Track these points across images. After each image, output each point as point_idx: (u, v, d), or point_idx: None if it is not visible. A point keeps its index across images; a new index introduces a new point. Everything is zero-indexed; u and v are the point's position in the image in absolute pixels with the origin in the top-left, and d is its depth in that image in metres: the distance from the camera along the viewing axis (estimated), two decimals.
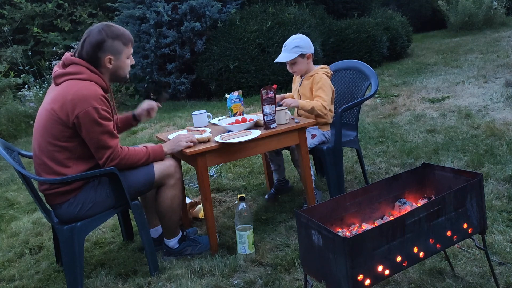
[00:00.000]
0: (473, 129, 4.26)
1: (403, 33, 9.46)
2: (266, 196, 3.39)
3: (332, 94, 3.09)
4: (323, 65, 3.19)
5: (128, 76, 2.54)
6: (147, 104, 2.80)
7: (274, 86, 2.76)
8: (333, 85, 3.24)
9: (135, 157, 2.42)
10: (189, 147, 2.55)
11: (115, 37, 2.38)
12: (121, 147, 2.39)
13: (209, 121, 3.14)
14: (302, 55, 3.07)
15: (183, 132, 2.88)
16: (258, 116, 2.95)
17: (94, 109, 2.25)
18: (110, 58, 2.38)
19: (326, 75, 3.09)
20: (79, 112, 2.23)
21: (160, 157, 2.51)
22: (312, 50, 3.14)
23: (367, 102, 5.92)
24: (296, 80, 3.29)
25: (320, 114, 3.01)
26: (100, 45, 2.34)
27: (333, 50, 8.43)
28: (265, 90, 2.68)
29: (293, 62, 3.09)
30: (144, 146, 2.51)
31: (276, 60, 3.12)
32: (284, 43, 3.10)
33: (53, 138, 2.30)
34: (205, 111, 3.11)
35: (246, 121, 2.83)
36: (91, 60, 2.36)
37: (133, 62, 2.53)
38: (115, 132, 2.39)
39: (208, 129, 2.87)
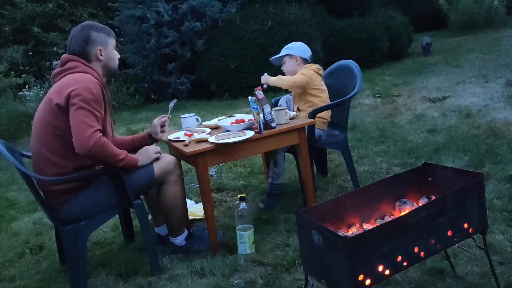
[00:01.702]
0: (474, 129, 4.25)
1: (404, 32, 9.46)
2: (262, 205, 3.23)
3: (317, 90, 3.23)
4: (309, 64, 3.33)
5: (117, 68, 2.61)
6: (157, 121, 2.78)
7: (259, 88, 2.80)
8: (330, 85, 3.35)
9: (114, 150, 2.33)
10: (157, 158, 2.54)
11: (99, 30, 2.49)
12: None
13: (198, 125, 3.08)
14: (290, 56, 3.33)
15: (182, 132, 2.89)
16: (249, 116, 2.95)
17: (87, 89, 2.27)
18: (100, 49, 2.46)
19: (310, 70, 3.22)
20: (72, 90, 2.26)
21: (133, 164, 2.44)
22: (303, 55, 3.34)
23: (367, 101, 5.92)
24: None
25: (285, 87, 3.27)
26: (87, 39, 2.44)
27: (334, 50, 8.43)
28: (258, 91, 2.75)
29: (284, 62, 3.41)
30: (123, 150, 2.44)
31: (270, 59, 3.53)
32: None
33: (51, 127, 2.33)
34: (194, 114, 3.09)
35: (244, 122, 2.84)
36: (82, 57, 2.44)
37: (119, 56, 2.60)
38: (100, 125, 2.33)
39: (207, 129, 2.88)
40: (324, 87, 3.29)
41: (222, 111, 6.47)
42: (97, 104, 2.30)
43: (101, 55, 2.47)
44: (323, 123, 3.23)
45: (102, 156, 2.29)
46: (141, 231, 2.62)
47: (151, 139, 2.79)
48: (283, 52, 3.36)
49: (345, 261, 1.62)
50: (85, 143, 2.22)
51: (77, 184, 2.40)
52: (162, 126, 2.79)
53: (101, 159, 2.33)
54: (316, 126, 3.15)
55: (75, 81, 2.31)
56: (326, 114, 3.24)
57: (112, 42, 2.53)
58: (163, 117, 2.80)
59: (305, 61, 3.34)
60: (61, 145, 2.34)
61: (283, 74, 3.43)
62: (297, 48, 3.35)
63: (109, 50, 2.51)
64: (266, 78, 3.37)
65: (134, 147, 2.71)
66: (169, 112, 2.87)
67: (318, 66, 3.32)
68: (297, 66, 3.32)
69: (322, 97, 3.23)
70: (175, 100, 3.03)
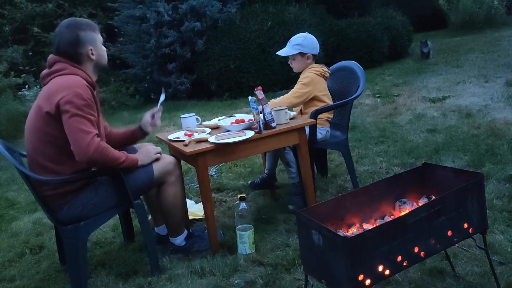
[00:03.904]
0: (474, 129, 4.25)
1: (404, 32, 9.45)
2: (249, 182, 3.43)
3: (317, 92, 3.11)
4: (318, 64, 3.22)
5: (107, 63, 2.56)
6: (148, 113, 2.76)
7: (259, 87, 2.78)
8: (331, 85, 3.30)
9: (114, 153, 2.33)
10: (158, 159, 2.54)
11: (86, 28, 2.41)
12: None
13: (198, 125, 3.07)
14: (302, 54, 3.16)
15: (182, 132, 2.89)
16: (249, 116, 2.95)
17: (77, 95, 2.23)
18: (91, 49, 2.41)
19: (315, 73, 3.13)
20: (62, 97, 2.21)
21: (134, 165, 2.44)
22: (315, 51, 3.21)
23: (367, 101, 5.92)
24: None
25: (293, 105, 3.13)
26: (77, 41, 2.36)
27: (334, 50, 8.43)
28: (258, 91, 2.73)
29: (293, 58, 3.22)
30: (122, 151, 2.43)
31: (277, 53, 3.28)
32: (290, 39, 3.22)
33: (43, 135, 2.30)
34: (194, 114, 3.09)
35: (244, 122, 2.84)
36: (72, 58, 2.38)
37: (105, 49, 2.54)
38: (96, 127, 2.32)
39: (207, 129, 2.88)
40: (327, 91, 3.20)
41: (222, 111, 6.47)
42: (89, 108, 2.27)
43: (92, 54, 2.41)
44: (327, 121, 3.23)
45: (103, 161, 2.28)
46: (141, 231, 2.62)
47: (141, 132, 2.74)
48: (294, 48, 3.16)
49: (345, 261, 1.62)
50: (85, 151, 2.21)
51: (76, 186, 2.39)
52: (154, 118, 2.73)
53: (102, 164, 2.32)
54: (322, 126, 3.16)
55: (63, 87, 2.26)
56: (330, 114, 3.24)
57: (99, 38, 2.47)
58: (153, 109, 2.77)
59: (315, 57, 3.23)
60: (56, 151, 2.31)
61: (289, 74, 3.42)
62: (309, 45, 3.17)
63: (99, 48, 2.46)
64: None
65: (124, 143, 2.69)
66: (159, 103, 2.82)
67: (324, 68, 3.19)
68: (308, 64, 3.21)
69: (328, 102, 3.16)
70: (163, 91, 2.92)
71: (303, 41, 3.16)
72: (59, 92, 2.24)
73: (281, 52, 3.22)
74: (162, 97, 2.83)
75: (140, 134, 2.75)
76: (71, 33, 2.37)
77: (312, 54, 3.20)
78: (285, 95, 3.14)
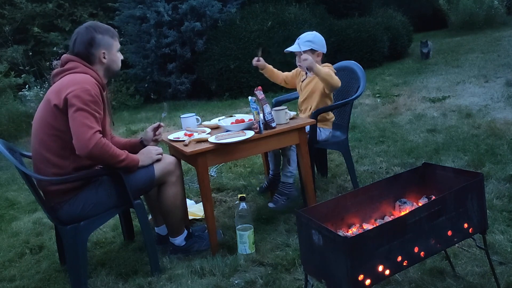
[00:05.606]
0: (474, 129, 4.25)
1: (404, 32, 9.45)
2: (258, 188, 3.46)
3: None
4: (326, 63, 3.19)
5: (119, 70, 2.61)
6: (150, 127, 2.76)
7: (259, 87, 2.78)
8: None
9: (115, 150, 2.33)
10: (159, 159, 2.55)
11: (103, 32, 2.46)
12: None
13: (198, 125, 3.07)
14: (313, 51, 3.11)
15: (182, 132, 2.89)
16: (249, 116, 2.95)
17: (85, 90, 2.26)
18: (104, 53, 2.46)
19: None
20: (70, 91, 2.26)
21: (134, 165, 2.44)
22: (324, 50, 3.17)
23: (367, 101, 5.92)
24: (300, 75, 3.36)
25: (331, 83, 2.90)
26: (91, 42, 2.42)
27: (334, 50, 8.43)
28: (258, 91, 2.73)
29: (304, 58, 3.01)
30: (124, 150, 2.43)
31: (287, 50, 3.17)
32: (299, 36, 3.15)
33: (50, 128, 2.33)
34: (194, 114, 3.09)
35: (244, 122, 2.84)
36: (85, 58, 2.43)
37: (122, 57, 2.59)
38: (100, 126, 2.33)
39: (207, 129, 2.88)
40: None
41: (222, 111, 6.47)
42: (95, 105, 2.29)
43: (104, 58, 2.46)
44: (331, 122, 3.24)
45: (103, 157, 2.29)
46: (141, 231, 2.62)
47: (142, 146, 2.74)
48: (305, 45, 3.07)
49: (345, 261, 1.62)
50: (85, 145, 2.22)
51: (77, 184, 2.40)
52: (157, 133, 2.74)
53: (102, 160, 2.32)
54: (327, 127, 3.16)
55: (73, 82, 2.31)
56: (332, 114, 3.26)
57: (116, 44, 2.52)
58: (155, 124, 2.79)
59: (324, 56, 3.17)
60: (60, 145, 2.34)
61: (287, 71, 3.42)
62: (320, 43, 3.11)
63: (113, 53, 2.50)
64: (310, 63, 2.83)
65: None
66: (162, 117, 2.85)
67: (332, 68, 3.14)
68: (317, 61, 3.11)
69: (333, 100, 3.19)
70: (166, 105, 2.97)
71: (313, 38, 3.11)
72: (68, 87, 2.29)
73: (292, 48, 3.12)
74: (164, 113, 2.87)
75: (141, 148, 2.73)
76: (87, 34, 2.43)
77: (322, 53, 3.16)
78: (330, 71, 2.96)
